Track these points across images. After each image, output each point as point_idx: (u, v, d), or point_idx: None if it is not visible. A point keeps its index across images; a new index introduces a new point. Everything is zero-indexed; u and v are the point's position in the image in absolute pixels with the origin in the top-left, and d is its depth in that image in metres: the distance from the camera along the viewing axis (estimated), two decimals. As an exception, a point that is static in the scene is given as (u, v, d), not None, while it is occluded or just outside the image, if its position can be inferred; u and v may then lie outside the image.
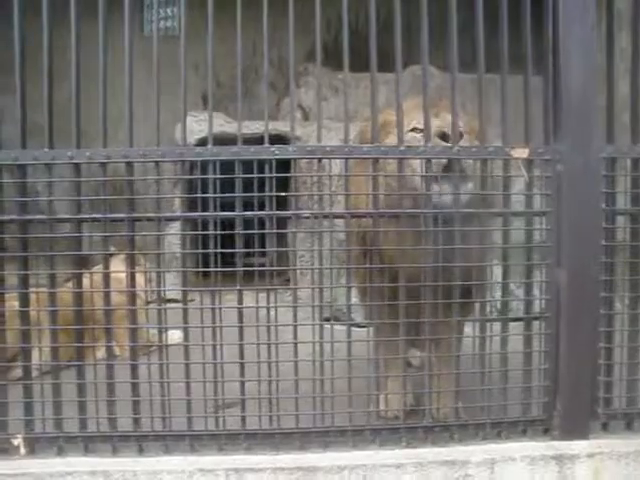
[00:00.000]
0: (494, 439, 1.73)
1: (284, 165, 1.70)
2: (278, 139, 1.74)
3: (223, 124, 3.43)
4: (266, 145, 1.64)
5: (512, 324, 1.74)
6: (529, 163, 1.73)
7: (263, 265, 1.66)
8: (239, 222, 1.63)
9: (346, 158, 1.65)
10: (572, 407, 1.72)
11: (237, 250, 1.64)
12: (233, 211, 1.64)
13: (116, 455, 1.66)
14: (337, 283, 1.73)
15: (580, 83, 1.67)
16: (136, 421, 1.67)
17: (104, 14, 1.61)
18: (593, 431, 1.74)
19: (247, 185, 1.64)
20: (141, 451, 1.68)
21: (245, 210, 1.64)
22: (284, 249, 1.84)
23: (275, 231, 1.64)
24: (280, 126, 3.23)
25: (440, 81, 2.19)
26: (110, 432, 1.66)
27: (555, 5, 1.70)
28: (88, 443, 1.68)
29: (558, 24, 1.69)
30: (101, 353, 1.75)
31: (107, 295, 1.67)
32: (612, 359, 1.76)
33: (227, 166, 1.65)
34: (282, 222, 1.71)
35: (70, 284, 1.70)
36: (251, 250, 1.67)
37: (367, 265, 1.63)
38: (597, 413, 1.75)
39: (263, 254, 1.73)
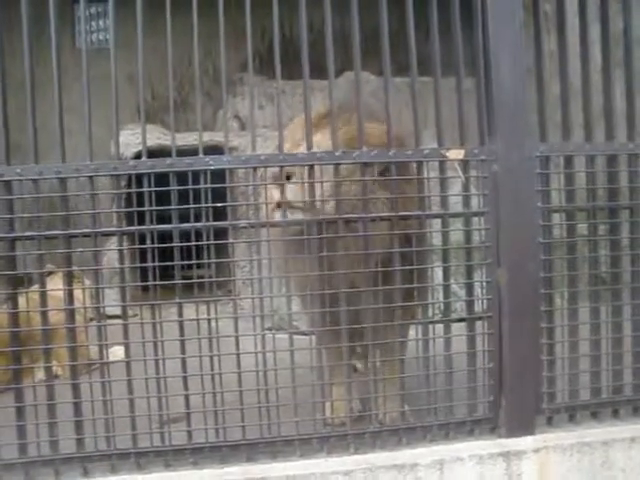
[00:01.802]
0: (442, 440, 1.78)
1: (222, 175, 1.73)
2: (215, 150, 1.74)
3: (160, 137, 3.43)
4: (200, 156, 1.66)
5: (455, 325, 1.80)
6: (465, 164, 1.79)
7: (202, 277, 1.68)
8: (176, 234, 1.65)
9: (280, 166, 1.68)
10: (517, 404, 1.77)
11: (175, 263, 1.66)
12: (170, 224, 1.66)
13: (59, 479, 1.65)
14: (279, 292, 1.78)
15: (511, 83, 1.74)
16: (79, 442, 1.67)
17: (29, 27, 1.62)
18: (539, 426, 1.80)
19: (185, 197, 1.65)
20: (86, 473, 1.67)
21: (183, 222, 1.66)
22: (223, 260, 1.85)
23: (212, 242, 1.66)
24: (217, 137, 3.19)
25: (375, 86, 2.22)
26: (52, 455, 1.66)
27: (484, 8, 1.77)
28: (29, 469, 1.66)
29: (487, 26, 1.76)
30: (41, 374, 1.74)
31: (45, 314, 1.67)
32: (554, 354, 1.82)
33: (163, 179, 1.67)
34: (221, 233, 1.73)
35: (6, 306, 1.69)
36: (189, 262, 1.67)
37: (305, 273, 1.66)
38: (542, 408, 1.82)
39: (202, 266, 1.72)
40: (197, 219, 1.66)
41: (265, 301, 1.70)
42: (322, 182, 1.68)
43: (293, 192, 1.72)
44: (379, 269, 1.68)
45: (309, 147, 1.67)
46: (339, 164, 1.72)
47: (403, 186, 1.75)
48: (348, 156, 1.71)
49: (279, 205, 1.67)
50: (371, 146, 1.68)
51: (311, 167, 1.68)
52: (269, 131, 3.15)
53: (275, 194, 1.67)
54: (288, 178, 1.72)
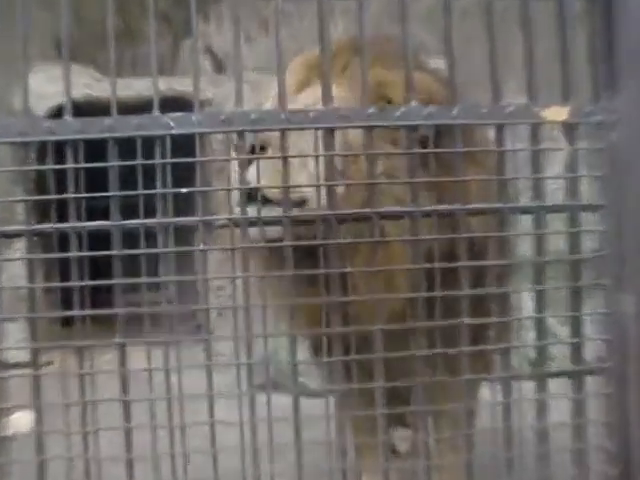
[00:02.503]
0: None
1: (190, 145, 1.67)
2: (177, 104, 1.77)
3: (91, 84, 3.34)
4: (155, 114, 1.60)
5: (553, 382, 1.72)
6: (570, 130, 1.71)
7: (158, 304, 1.64)
8: (117, 236, 1.60)
9: (283, 129, 1.61)
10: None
11: (116, 281, 1.61)
12: (107, 219, 1.60)
13: None
14: (275, 329, 1.73)
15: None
16: None
17: None
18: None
19: (132, 178, 1.61)
20: None
21: (127, 218, 1.61)
22: (190, 278, 1.78)
23: (173, 250, 1.60)
24: (180, 84, 3.12)
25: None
26: None
27: None
28: None
29: None
30: None
31: None
32: None
33: (97, 149, 1.63)
34: (186, 235, 1.70)
35: None
36: (138, 281, 1.63)
37: (315, 299, 1.62)
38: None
39: (157, 286, 1.65)
40: (149, 213, 1.61)
41: (255, 343, 1.64)
42: (333, 155, 1.64)
43: (269, 174, 1.73)
44: (431, 294, 1.65)
45: (326, 99, 1.61)
46: (373, 127, 1.64)
47: (467, 164, 1.71)
48: (387, 115, 1.62)
49: (250, 196, 1.67)
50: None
51: (330, 132, 1.61)
52: (262, 74, 3.04)
53: (243, 176, 1.67)
54: (260, 150, 1.73)
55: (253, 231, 1.66)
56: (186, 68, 3.61)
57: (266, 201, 1.74)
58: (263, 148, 1.77)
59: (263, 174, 1.72)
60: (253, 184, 1.71)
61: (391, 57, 1.94)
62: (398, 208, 1.68)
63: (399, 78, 1.73)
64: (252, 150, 1.74)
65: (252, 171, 1.73)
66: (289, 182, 1.62)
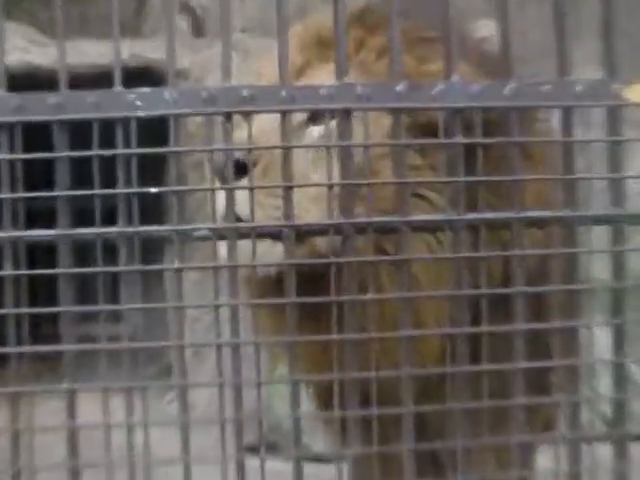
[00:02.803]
0: None
1: (161, 130, 1.64)
2: (142, 76, 1.67)
3: (29, 47, 3.22)
4: (117, 89, 1.52)
5: (634, 446, 1.66)
6: None
7: (118, 338, 1.56)
8: (65, 250, 1.53)
9: (284, 111, 1.52)
10: None
11: (63, 309, 1.54)
12: (52, 227, 1.54)
13: None
14: (271, 373, 1.62)
15: None
16: None
17: None
18: None
19: (82, 173, 1.57)
20: None
21: (79, 225, 1.55)
22: (157, 305, 1.69)
23: (140, 268, 1.52)
24: (146, 49, 2.98)
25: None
26: None
27: None
28: None
29: None
30: None
31: None
32: None
33: (39, 135, 1.57)
34: (155, 249, 1.61)
35: None
36: (89, 309, 1.54)
37: (321, 337, 1.58)
38: None
39: (117, 315, 1.59)
40: (108, 219, 1.53)
41: (246, 391, 1.56)
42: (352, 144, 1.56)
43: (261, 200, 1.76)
44: (476, 329, 1.57)
45: (341, 73, 1.53)
46: (402, 110, 1.55)
47: (524, 161, 1.67)
48: (421, 93, 1.54)
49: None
50: None
51: (346, 114, 1.53)
52: (254, 38, 2.93)
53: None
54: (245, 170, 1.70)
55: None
56: (155, 29, 3.50)
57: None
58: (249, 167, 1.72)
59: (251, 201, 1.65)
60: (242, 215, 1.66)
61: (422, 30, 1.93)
62: (435, 216, 1.62)
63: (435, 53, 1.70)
64: (238, 168, 1.68)
65: (240, 198, 1.66)
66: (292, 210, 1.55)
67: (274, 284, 1.78)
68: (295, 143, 1.72)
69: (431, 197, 1.79)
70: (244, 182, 1.71)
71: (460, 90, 1.54)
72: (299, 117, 1.90)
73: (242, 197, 1.62)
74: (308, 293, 1.62)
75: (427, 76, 1.76)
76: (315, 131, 1.98)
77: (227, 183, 1.57)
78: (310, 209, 1.83)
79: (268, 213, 1.78)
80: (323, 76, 1.70)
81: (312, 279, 1.68)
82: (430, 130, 1.69)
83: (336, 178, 1.59)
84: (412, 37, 1.93)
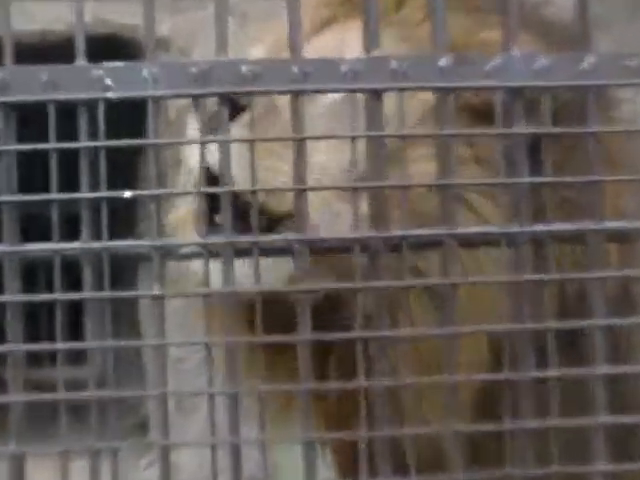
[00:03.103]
0: None
1: (137, 115, 1.64)
2: (109, 47, 1.65)
3: None
4: (81, 63, 1.43)
5: None
6: None
7: (80, 386, 1.49)
8: (12, 270, 1.43)
9: (295, 92, 1.43)
10: None
11: (9, 348, 1.43)
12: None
13: None
14: (278, 432, 1.66)
15: None
16: None
17: None
18: None
19: (32, 170, 1.60)
20: None
21: (31, 239, 1.46)
22: (135, 343, 1.57)
23: (110, 294, 1.43)
24: (117, 14, 2.92)
25: None
26: None
27: None
28: None
29: None
30: None
31: None
32: None
33: None
34: (129, 270, 1.56)
35: None
36: (47, 347, 1.46)
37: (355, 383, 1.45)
38: None
39: (80, 356, 1.55)
40: (70, 232, 1.45)
41: (245, 452, 1.45)
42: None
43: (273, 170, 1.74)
44: (543, 374, 1.47)
45: (370, 43, 1.46)
46: (448, 90, 1.46)
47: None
48: (472, 68, 1.45)
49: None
50: None
51: (376, 95, 1.44)
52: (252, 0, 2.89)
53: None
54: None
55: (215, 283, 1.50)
56: None
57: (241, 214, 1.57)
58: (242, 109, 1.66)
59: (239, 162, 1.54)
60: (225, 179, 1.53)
61: None
62: (490, 228, 1.54)
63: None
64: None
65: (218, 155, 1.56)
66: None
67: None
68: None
69: (478, 203, 1.74)
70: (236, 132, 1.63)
71: (522, 65, 1.46)
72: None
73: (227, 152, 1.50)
74: (314, 320, 1.51)
75: (482, 45, 1.73)
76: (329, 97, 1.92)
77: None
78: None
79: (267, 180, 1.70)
80: (353, 34, 1.64)
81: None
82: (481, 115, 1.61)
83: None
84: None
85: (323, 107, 1.96)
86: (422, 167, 1.71)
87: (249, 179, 1.54)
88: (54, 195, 1.39)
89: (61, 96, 1.40)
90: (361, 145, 1.51)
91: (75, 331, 1.49)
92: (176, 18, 2.98)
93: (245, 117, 1.69)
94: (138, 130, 1.61)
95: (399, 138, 1.57)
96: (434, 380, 1.48)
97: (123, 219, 1.57)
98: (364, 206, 1.54)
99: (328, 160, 1.82)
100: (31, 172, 1.55)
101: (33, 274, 1.59)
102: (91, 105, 1.42)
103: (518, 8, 1.54)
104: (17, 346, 1.42)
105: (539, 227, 1.48)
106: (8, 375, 1.43)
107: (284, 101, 1.52)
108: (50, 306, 1.50)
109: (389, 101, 1.51)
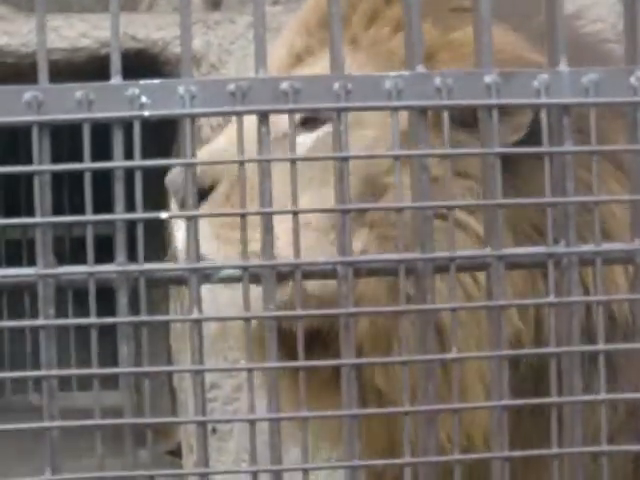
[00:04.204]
0: None
1: (166, 135, 1.73)
2: (138, 63, 1.74)
3: None
4: (117, 81, 1.40)
5: None
6: None
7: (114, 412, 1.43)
8: (47, 294, 1.38)
9: (339, 109, 1.40)
10: None
11: (44, 373, 1.40)
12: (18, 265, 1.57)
13: None
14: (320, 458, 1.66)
15: None
16: None
17: None
18: None
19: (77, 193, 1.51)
20: None
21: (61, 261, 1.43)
22: (175, 369, 1.57)
23: (148, 319, 1.40)
24: (148, 29, 2.87)
25: None
26: None
27: None
28: None
29: None
30: None
31: None
32: None
33: (10, 142, 1.58)
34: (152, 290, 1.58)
35: None
36: (84, 372, 1.43)
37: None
38: None
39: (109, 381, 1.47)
40: (104, 253, 1.45)
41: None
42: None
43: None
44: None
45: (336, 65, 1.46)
46: (493, 107, 1.43)
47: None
48: (519, 85, 1.43)
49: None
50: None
51: (422, 114, 1.43)
52: (287, 14, 2.84)
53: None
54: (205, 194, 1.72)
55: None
56: (152, 1, 3.41)
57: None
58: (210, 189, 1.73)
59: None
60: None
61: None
62: (537, 249, 1.50)
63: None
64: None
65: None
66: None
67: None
68: (278, 155, 1.66)
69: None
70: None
71: (570, 81, 1.43)
72: (284, 122, 1.70)
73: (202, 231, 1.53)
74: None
75: (451, 46, 1.79)
76: (309, 139, 1.93)
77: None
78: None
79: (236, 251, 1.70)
80: (325, 66, 1.64)
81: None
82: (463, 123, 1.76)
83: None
84: (441, 7, 1.93)
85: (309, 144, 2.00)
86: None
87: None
88: (90, 217, 1.36)
89: (97, 115, 1.39)
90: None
91: (104, 356, 1.47)
92: (207, 34, 2.95)
93: (215, 194, 1.71)
94: (163, 148, 1.59)
95: (441, 157, 1.55)
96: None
97: (152, 238, 1.54)
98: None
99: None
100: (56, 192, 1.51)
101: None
102: (127, 124, 1.40)
103: (565, 25, 1.53)
104: (50, 372, 1.39)
105: (586, 247, 1.46)
106: (43, 401, 1.41)
107: (252, 172, 1.50)
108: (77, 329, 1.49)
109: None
